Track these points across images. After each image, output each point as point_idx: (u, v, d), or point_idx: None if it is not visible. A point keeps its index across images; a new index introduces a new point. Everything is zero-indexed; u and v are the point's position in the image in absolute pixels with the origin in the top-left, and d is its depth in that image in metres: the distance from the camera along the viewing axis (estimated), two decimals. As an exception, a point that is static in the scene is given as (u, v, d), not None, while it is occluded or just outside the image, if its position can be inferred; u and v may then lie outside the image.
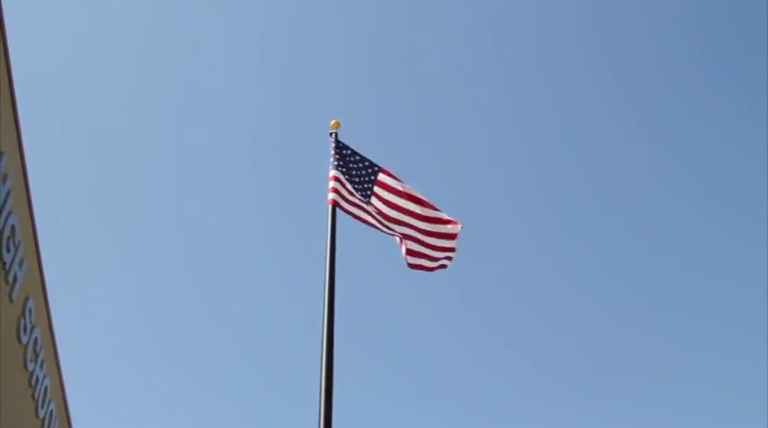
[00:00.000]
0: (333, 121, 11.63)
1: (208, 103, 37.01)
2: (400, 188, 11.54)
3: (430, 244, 11.57)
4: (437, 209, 11.64)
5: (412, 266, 11.58)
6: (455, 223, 11.63)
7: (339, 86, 36.23)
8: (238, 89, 36.82)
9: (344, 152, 11.54)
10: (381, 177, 11.58)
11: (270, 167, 37.11)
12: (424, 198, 11.61)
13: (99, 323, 34.73)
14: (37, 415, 10.88)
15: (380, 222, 11.43)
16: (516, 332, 37.27)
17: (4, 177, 8.62)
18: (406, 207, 11.51)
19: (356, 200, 11.27)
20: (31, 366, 10.37)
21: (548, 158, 37.75)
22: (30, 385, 10.50)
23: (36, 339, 10.48)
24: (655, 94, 36.97)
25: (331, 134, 11.60)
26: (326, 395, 8.34)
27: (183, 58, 36.62)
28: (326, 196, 10.97)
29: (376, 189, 11.50)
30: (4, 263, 8.86)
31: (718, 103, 36.77)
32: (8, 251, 8.89)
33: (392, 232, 11.48)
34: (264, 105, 36.88)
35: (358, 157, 11.62)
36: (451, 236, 11.60)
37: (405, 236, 11.51)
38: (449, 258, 11.63)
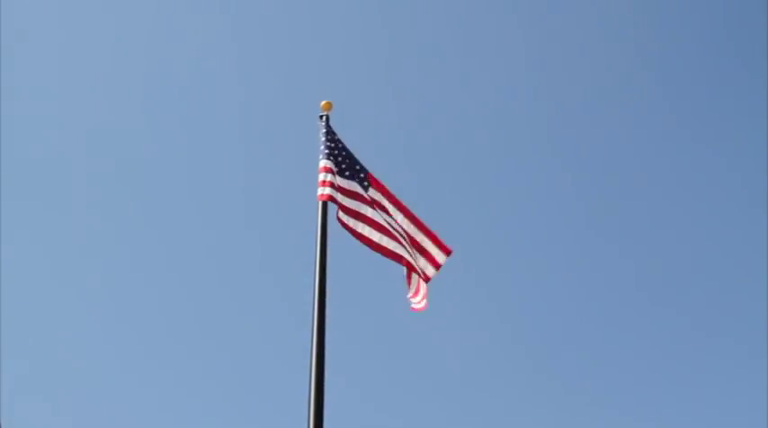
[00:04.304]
0: (323, 102, 9.92)
1: (199, 97, 35.75)
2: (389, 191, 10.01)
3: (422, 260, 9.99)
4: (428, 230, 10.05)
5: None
6: (445, 249, 9.96)
7: (335, 80, 35.04)
8: (230, 82, 35.56)
9: (337, 138, 9.98)
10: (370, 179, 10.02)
11: (259, 161, 35.59)
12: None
13: (68, 331, 32.76)
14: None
15: (378, 225, 9.89)
16: (515, 331, 35.83)
17: None
18: (398, 209, 10.01)
19: (350, 202, 9.76)
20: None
21: (547, 157, 36.90)
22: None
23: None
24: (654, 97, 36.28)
25: (321, 117, 9.95)
26: (317, 397, 7.55)
27: (177, 52, 35.48)
28: (316, 190, 9.49)
29: (371, 191, 9.97)
30: None
31: (718, 104, 36.07)
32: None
33: (393, 244, 9.89)
34: (255, 96, 35.57)
35: (345, 153, 10.00)
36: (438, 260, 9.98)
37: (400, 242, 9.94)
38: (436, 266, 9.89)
